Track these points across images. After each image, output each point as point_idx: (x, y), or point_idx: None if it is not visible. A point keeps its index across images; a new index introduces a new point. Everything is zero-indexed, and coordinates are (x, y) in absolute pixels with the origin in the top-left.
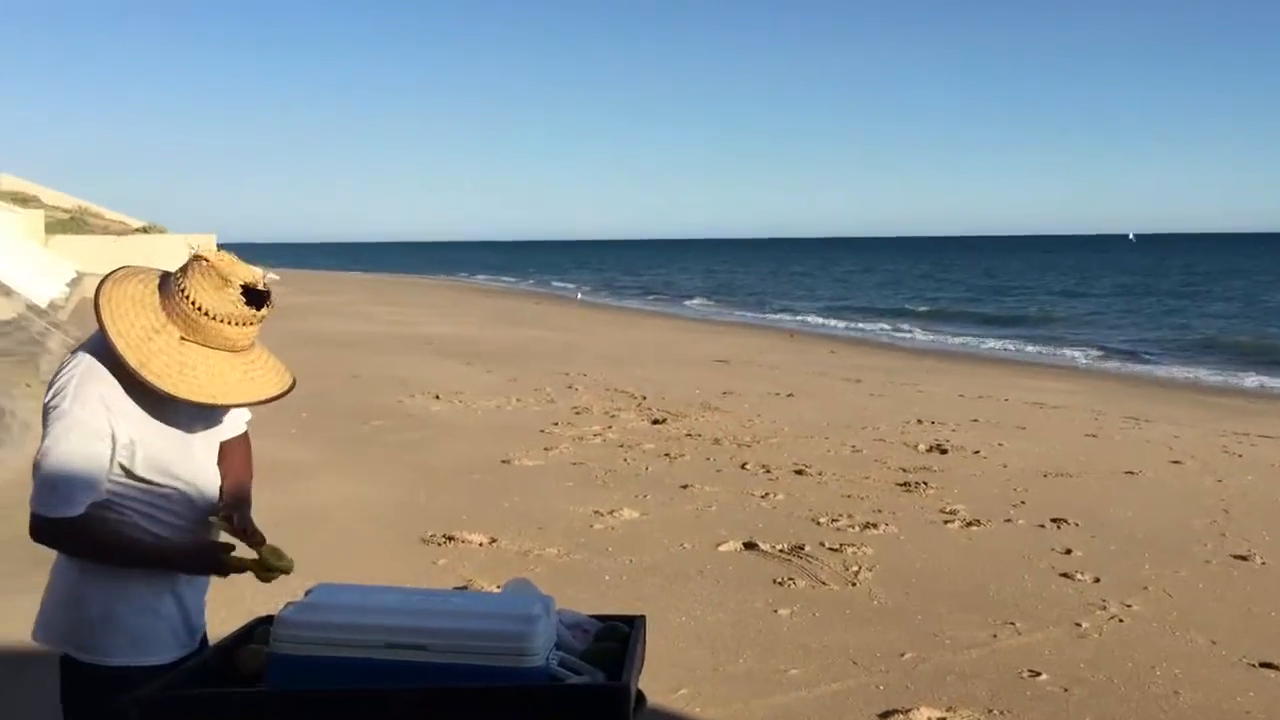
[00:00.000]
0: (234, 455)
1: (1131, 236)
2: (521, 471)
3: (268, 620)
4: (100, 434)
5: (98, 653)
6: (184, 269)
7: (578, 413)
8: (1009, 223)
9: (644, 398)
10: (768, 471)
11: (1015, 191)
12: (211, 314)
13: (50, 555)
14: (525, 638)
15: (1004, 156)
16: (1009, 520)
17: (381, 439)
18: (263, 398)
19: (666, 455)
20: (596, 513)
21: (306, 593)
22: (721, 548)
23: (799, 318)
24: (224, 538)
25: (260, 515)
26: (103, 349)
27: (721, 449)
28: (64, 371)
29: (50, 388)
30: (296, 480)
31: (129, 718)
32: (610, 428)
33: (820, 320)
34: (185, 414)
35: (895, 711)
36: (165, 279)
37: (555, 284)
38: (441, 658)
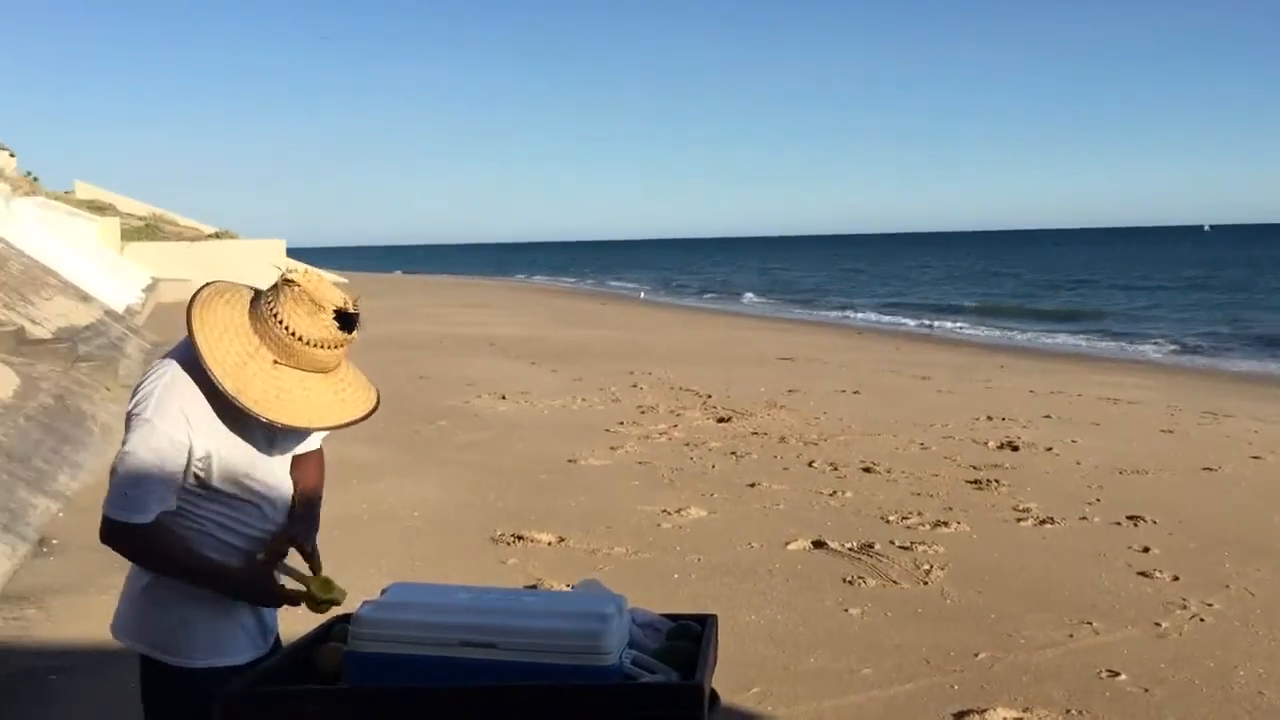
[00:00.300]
0: (308, 468)
1: (1207, 228)
2: (588, 471)
3: (344, 619)
4: (178, 445)
5: (175, 654)
6: (275, 292)
7: (643, 412)
8: (1072, 215)
9: (709, 396)
10: (835, 469)
11: (1078, 182)
12: (305, 339)
13: None
14: (599, 636)
15: (1065, 147)
16: (1084, 518)
17: (449, 439)
18: (353, 418)
19: (733, 454)
20: (664, 512)
21: (382, 592)
22: (790, 546)
23: (859, 314)
24: (291, 556)
25: (332, 516)
26: (189, 359)
27: (788, 447)
28: (149, 380)
29: (134, 394)
30: (368, 481)
31: (212, 715)
32: (676, 426)
33: (879, 316)
34: (265, 429)
35: (970, 711)
36: (255, 300)
37: (612, 283)
38: (515, 656)
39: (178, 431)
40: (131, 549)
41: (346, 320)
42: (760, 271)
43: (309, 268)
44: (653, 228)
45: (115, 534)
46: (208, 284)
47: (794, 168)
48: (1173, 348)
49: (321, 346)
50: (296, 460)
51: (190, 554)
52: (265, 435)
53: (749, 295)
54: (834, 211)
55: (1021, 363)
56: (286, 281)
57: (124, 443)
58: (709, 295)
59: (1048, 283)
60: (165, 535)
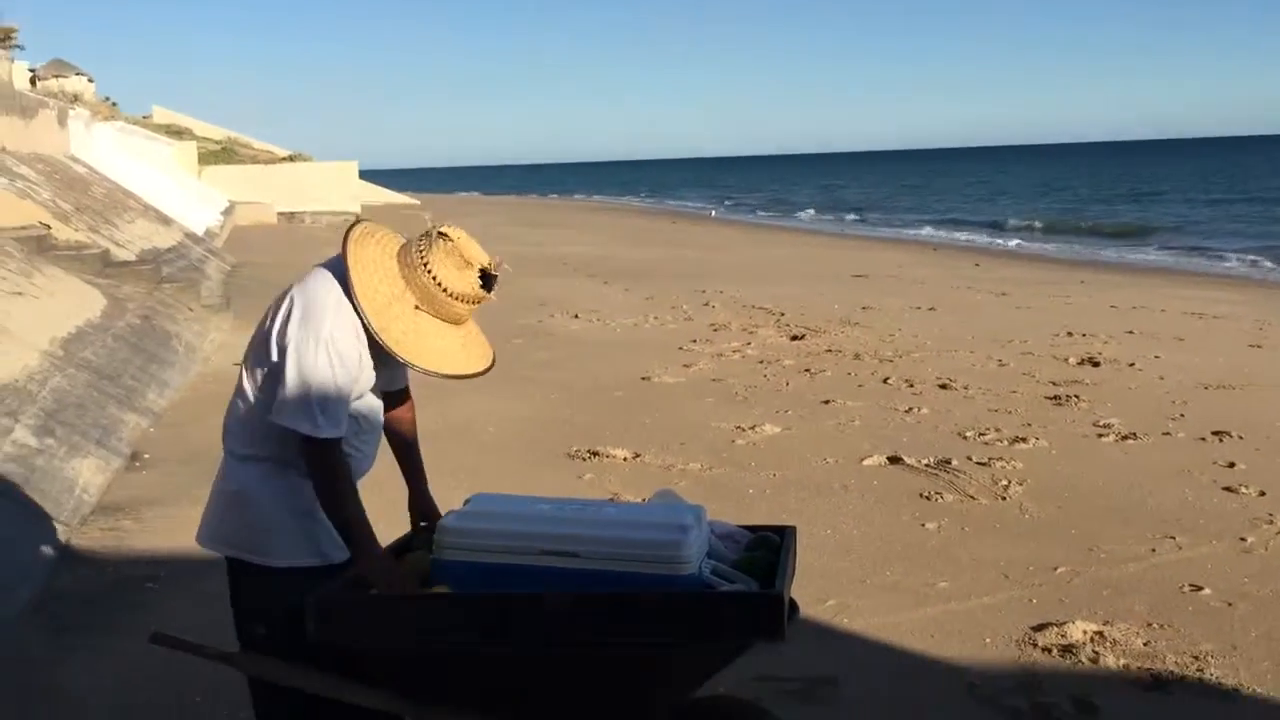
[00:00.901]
0: (403, 405)
1: None
2: (662, 388)
3: (427, 529)
4: (359, 361)
5: (263, 555)
6: (427, 242)
7: (715, 330)
8: (1125, 126)
9: (782, 314)
10: (911, 386)
11: (1130, 89)
12: (450, 291)
13: (214, 468)
14: (678, 546)
15: (1117, 54)
16: (1167, 434)
17: (524, 357)
18: (476, 371)
19: (807, 371)
20: (738, 428)
21: (465, 502)
22: (865, 462)
23: (925, 230)
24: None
25: (419, 430)
26: (343, 283)
27: (863, 364)
28: (314, 293)
29: (297, 306)
30: (446, 398)
31: (305, 618)
32: (749, 344)
33: (949, 233)
34: (389, 363)
35: (1050, 624)
36: (405, 247)
37: (670, 202)
38: (596, 565)
39: (356, 349)
40: (324, 469)
41: (488, 280)
42: (819, 189)
43: (463, 231)
44: (705, 147)
45: (322, 451)
46: (359, 221)
47: (840, 85)
48: (1262, 261)
49: (462, 300)
50: (389, 397)
51: (355, 496)
52: (386, 367)
53: (810, 212)
54: (877, 126)
55: (1102, 278)
56: (441, 234)
57: (302, 356)
58: (765, 213)
59: (1115, 196)
60: (344, 463)
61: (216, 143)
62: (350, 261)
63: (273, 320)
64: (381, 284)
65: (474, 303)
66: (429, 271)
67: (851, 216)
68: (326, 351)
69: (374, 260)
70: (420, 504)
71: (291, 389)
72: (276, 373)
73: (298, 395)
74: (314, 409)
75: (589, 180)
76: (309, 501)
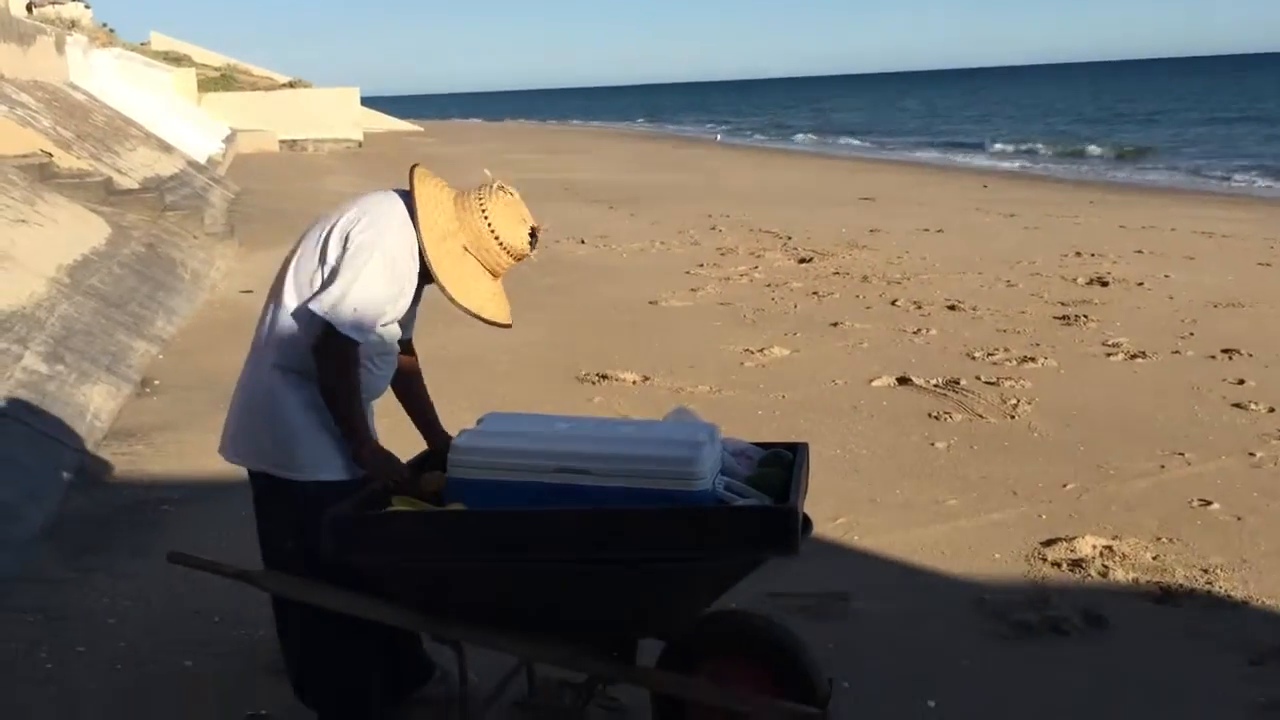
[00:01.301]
0: (410, 356)
1: None
2: (670, 312)
3: (441, 449)
4: (407, 280)
5: (288, 468)
6: (488, 191)
7: (723, 254)
8: (1151, 44)
9: (789, 238)
10: (919, 308)
11: (1157, 6)
12: (502, 242)
13: (226, 394)
14: (692, 462)
15: None
16: (1176, 352)
17: (530, 283)
18: (502, 321)
19: (814, 294)
20: (746, 351)
21: (478, 421)
22: (874, 383)
23: (929, 153)
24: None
25: (426, 356)
26: (404, 208)
27: (871, 286)
28: (379, 209)
29: (367, 215)
30: (455, 325)
31: (323, 535)
32: (756, 268)
33: (950, 155)
34: (409, 307)
35: (1059, 540)
36: (463, 193)
37: (669, 127)
38: (610, 481)
39: (411, 265)
40: (339, 364)
41: (535, 240)
42: (814, 113)
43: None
44: (698, 71)
45: (334, 344)
46: (417, 164)
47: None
48: (1271, 182)
49: (509, 253)
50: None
51: (357, 388)
52: (414, 303)
53: (809, 136)
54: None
55: (1111, 198)
56: (501, 188)
57: (360, 261)
58: (762, 137)
59: (1116, 117)
60: (356, 364)
61: (215, 69)
62: (416, 192)
63: (331, 227)
64: (440, 219)
65: (517, 258)
66: (486, 218)
67: (852, 140)
68: (383, 261)
69: (436, 197)
70: (435, 437)
71: (340, 283)
72: (332, 269)
73: (342, 290)
74: (350, 306)
75: (582, 107)
76: (331, 419)
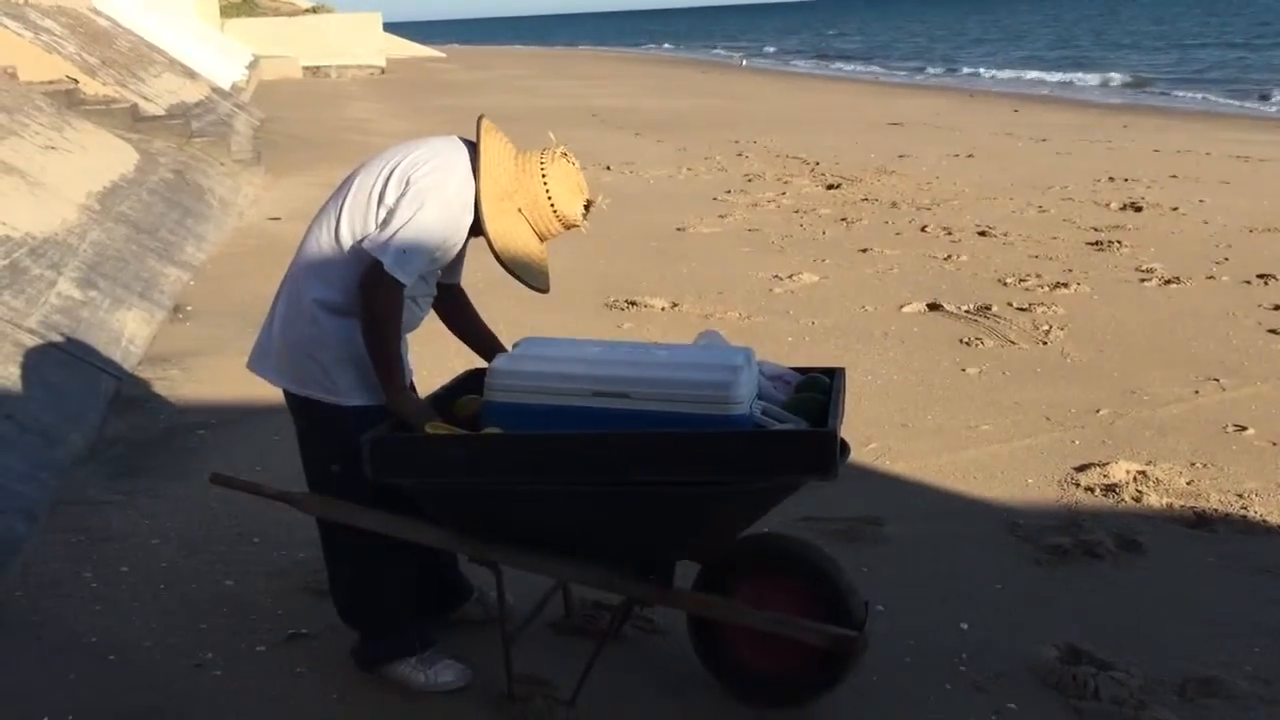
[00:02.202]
0: (463, 295)
1: None
2: (698, 239)
3: (477, 373)
4: (461, 230)
5: (331, 393)
6: (550, 156)
7: (750, 180)
8: None
9: (817, 163)
10: (949, 234)
11: None
12: (558, 209)
13: (257, 319)
14: (730, 386)
15: None
16: (1211, 277)
17: None
18: (543, 287)
19: (843, 220)
20: (775, 277)
21: (514, 345)
22: (905, 309)
23: (950, 78)
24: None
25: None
26: (468, 160)
27: (900, 212)
28: (443, 154)
29: (433, 158)
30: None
31: (362, 458)
32: (784, 194)
33: (976, 81)
34: (461, 255)
35: (1092, 465)
36: (525, 154)
37: (684, 52)
38: (647, 405)
39: (466, 217)
40: (384, 302)
41: (588, 211)
42: (817, 38)
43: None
44: None
45: (382, 282)
46: (483, 115)
47: None
48: None
49: (562, 221)
50: (447, 291)
51: (397, 336)
52: (460, 254)
53: (836, 62)
54: None
55: (1145, 121)
56: (565, 154)
57: (419, 206)
58: (799, 62)
59: (1142, 36)
60: (400, 305)
61: None
62: (482, 145)
63: (393, 168)
64: (501, 177)
65: (568, 227)
66: (545, 185)
67: (874, 67)
68: (441, 208)
69: (500, 154)
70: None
71: (395, 223)
72: (390, 209)
73: (396, 229)
74: (402, 247)
75: (586, 31)
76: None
